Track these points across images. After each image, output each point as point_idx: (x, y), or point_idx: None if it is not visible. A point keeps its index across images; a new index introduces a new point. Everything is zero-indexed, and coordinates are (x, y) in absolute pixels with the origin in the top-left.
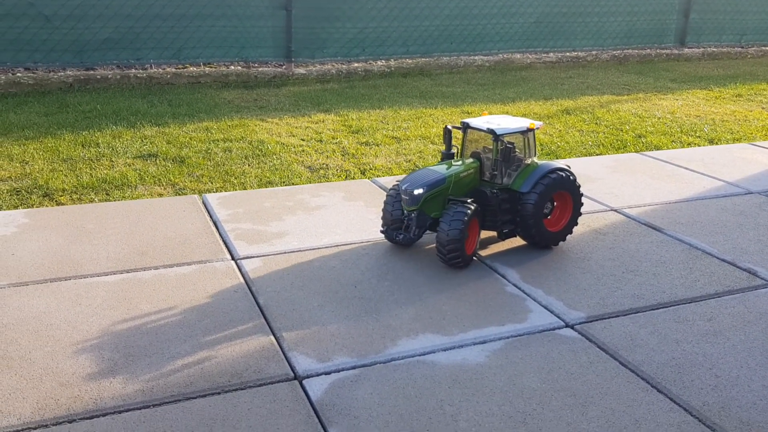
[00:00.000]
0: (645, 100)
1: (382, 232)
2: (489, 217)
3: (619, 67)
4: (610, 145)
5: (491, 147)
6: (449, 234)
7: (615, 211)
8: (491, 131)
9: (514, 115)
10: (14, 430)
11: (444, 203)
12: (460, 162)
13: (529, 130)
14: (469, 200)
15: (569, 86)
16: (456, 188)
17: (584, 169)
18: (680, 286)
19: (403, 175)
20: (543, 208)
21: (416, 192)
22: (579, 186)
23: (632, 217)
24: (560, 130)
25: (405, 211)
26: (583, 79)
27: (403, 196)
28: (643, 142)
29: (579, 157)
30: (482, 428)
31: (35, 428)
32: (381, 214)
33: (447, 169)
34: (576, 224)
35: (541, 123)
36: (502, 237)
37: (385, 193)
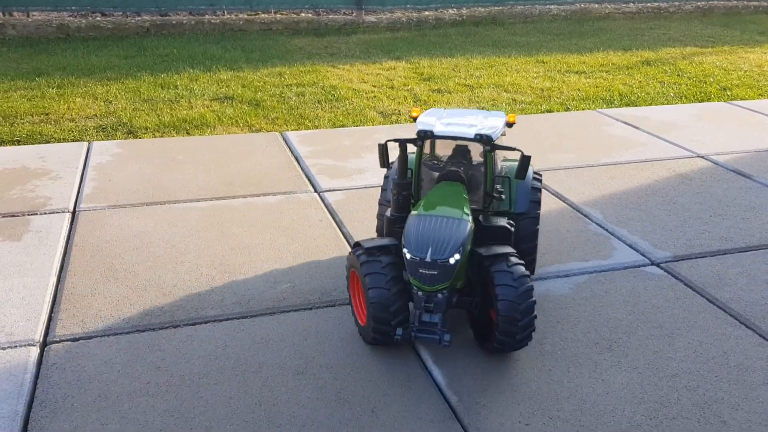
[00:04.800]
0: (730, 53)
1: (395, 336)
2: None
3: (702, 19)
4: (693, 96)
5: (457, 157)
6: (523, 301)
7: (701, 157)
8: (485, 138)
9: (591, 66)
10: (124, 332)
11: (467, 262)
12: (440, 191)
13: (510, 124)
14: (509, 248)
15: (650, 38)
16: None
17: (669, 117)
18: None
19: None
20: None
21: (452, 260)
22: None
23: (720, 163)
24: (640, 81)
25: (420, 293)
26: (664, 30)
27: (421, 270)
28: (728, 95)
29: (661, 105)
30: (567, 352)
31: (143, 331)
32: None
33: (453, 208)
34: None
35: (514, 114)
36: None
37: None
